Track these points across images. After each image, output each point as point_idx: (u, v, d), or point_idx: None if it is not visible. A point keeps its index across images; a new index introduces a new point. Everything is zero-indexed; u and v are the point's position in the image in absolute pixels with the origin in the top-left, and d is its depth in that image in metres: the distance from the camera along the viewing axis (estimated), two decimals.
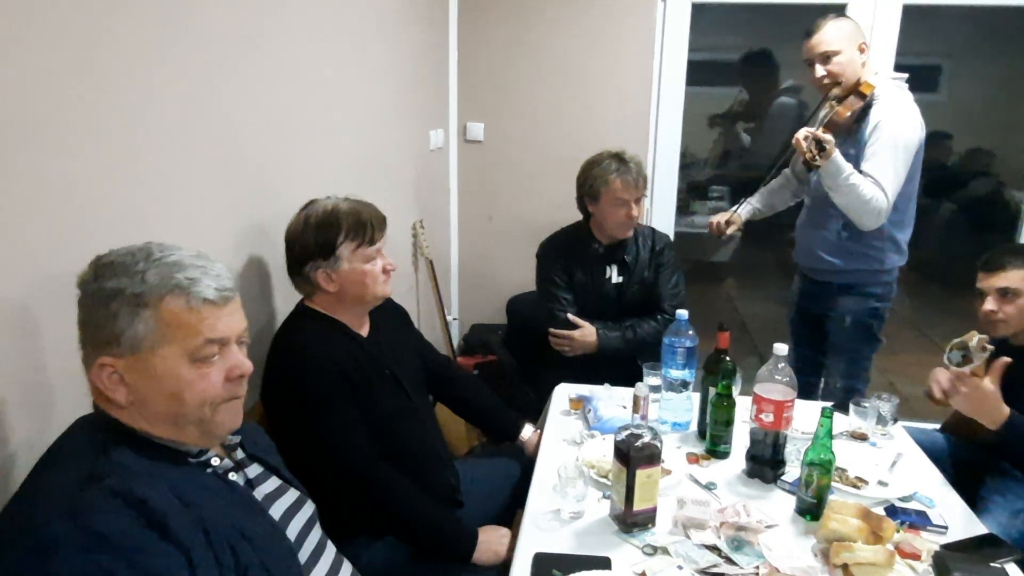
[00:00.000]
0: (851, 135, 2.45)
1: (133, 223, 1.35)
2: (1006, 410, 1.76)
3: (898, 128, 2.35)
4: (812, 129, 2.34)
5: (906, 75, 2.51)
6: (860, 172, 2.37)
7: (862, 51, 2.44)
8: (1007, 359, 1.76)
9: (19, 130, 1.09)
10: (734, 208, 2.84)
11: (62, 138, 1.18)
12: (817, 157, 2.28)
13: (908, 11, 3.20)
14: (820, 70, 2.45)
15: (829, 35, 2.42)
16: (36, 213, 1.14)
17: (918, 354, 4.12)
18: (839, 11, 3.19)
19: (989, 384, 1.75)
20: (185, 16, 1.47)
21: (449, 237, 3.86)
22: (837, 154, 2.32)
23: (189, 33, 1.49)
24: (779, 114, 3.95)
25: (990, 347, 1.76)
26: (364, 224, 1.70)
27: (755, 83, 4.11)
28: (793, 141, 2.38)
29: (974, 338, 1.77)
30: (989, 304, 2.06)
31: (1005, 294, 2.03)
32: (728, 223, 2.76)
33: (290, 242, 1.73)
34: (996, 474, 2.06)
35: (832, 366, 2.73)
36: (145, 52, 1.36)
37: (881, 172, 2.35)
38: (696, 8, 3.40)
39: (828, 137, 2.29)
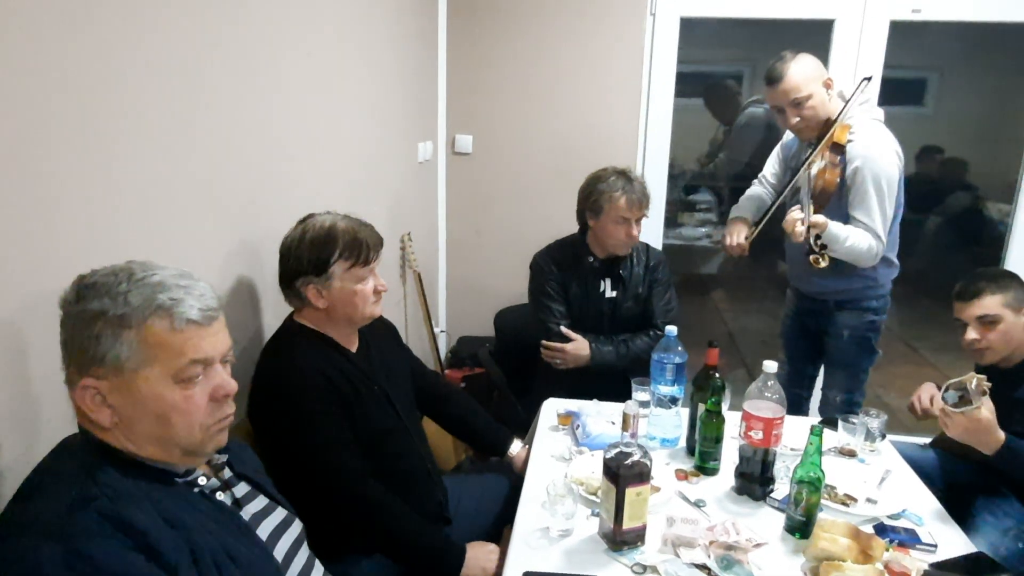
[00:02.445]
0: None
1: (120, 240, 1.34)
2: (1002, 435, 1.75)
3: (878, 167, 2.34)
4: (801, 214, 2.33)
5: (869, 99, 2.48)
6: (849, 217, 2.37)
7: (828, 87, 2.41)
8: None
9: (2, 147, 1.08)
10: (733, 216, 2.74)
11: (47, 154, 1.16)
12: (820, 258, 2.35)
13: (896, 25, 3.23)
14: (793, 117, 2.41)
15: (796, 80, 2.36)
16: (22, 231, 1.12)
17: (907, 367, 4.11)
18: (825, 27, 3.25)
19: (985, 412, 1.73)
20: (172, 33, 1.46)
21: (437, 249, 3.85)
22: (831, 225, 2.32)
23: (175, 50, 1.48)
24: (748, 124, 4.00)
25: (988, 385, 1.73)
26: (360, 244, 1.70)
27: (722, 112, 4.20)
28: (784, 225, 2.39)
29: (973, 380, 1.73)
30: (971, 333, 2.05)
31: (985, 321, 2.03)
32: (744, 238, 2.64)
33: (284, 255, 1.72)
34: (986, 492, 2.06)
35: (831, 380, 2.73)
36: (131, 68, 1.35)
37: (870, 217, 2.35)
38: (685, 22, 3.41)
39: (820, 220, 2.30)
